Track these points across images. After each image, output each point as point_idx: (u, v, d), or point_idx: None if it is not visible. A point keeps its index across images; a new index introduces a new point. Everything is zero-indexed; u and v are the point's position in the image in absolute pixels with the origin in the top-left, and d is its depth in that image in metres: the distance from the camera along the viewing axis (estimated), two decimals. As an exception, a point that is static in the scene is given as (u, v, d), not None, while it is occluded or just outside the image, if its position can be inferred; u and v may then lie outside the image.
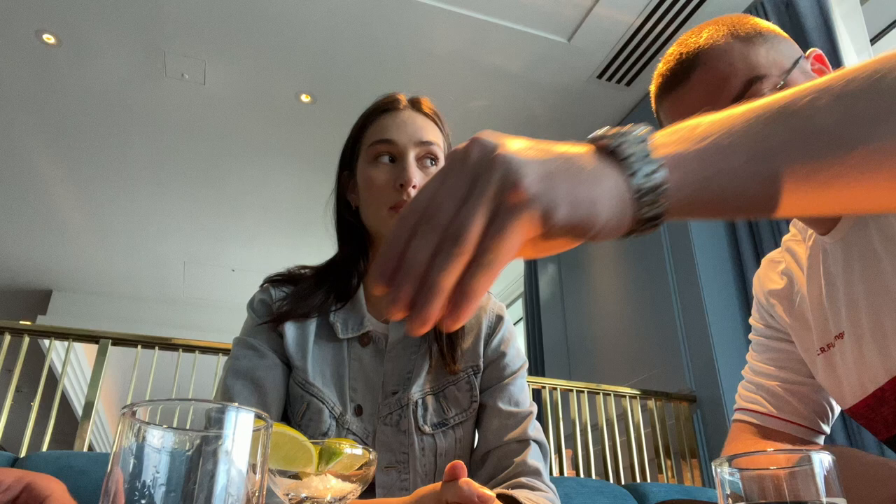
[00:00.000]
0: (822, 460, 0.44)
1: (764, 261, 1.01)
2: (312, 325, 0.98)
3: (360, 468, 0.57)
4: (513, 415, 0.96)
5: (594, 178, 0.38)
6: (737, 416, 0.97)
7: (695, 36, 0.84)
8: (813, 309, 0.87)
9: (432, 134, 1.01)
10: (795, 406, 0.92)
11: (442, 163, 1.01)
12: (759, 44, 0.81)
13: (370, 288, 1.03)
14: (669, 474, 3.43)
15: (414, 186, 0.95)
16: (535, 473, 0.91)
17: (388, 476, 0.92)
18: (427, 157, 0.99)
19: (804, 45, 4.39)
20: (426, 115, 1.03)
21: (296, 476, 0.54)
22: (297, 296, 1.00)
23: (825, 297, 0.85)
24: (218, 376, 3.15)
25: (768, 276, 0.98)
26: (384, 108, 1.02)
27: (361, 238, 1.04)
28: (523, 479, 0.89)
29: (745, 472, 0.45)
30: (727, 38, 0.81)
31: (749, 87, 0.78)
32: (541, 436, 0.96)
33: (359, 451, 0.57)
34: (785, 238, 0.97)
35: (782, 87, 0.79)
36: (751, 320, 1.02)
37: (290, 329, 0.97)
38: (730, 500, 0.45)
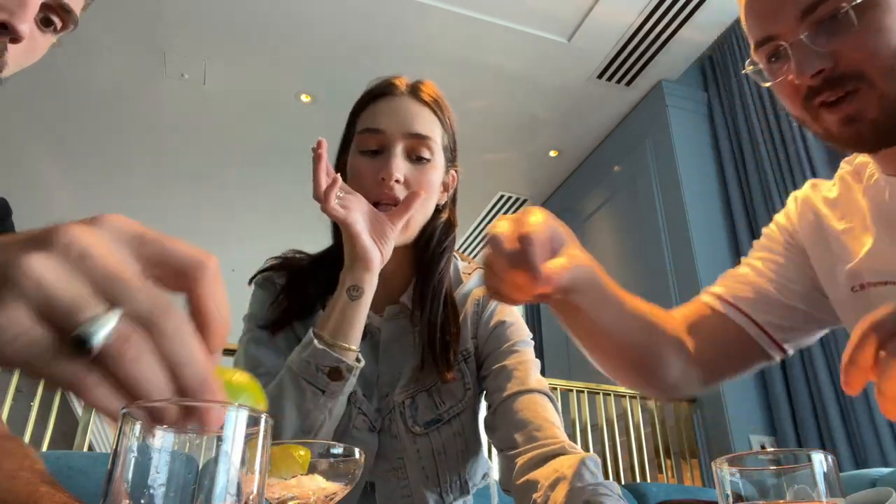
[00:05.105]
0: (822, 460, 0.44)
1: (810, 183, 0.95)
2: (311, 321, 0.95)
3: (347, 468, 0.57)
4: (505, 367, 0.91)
5: None
6: (706, 295, 0.91)
7: None
8: (856, 242, 0.82)
9: (427, 126, 0.93)
10: (773, 317, 0.87)
11: (437, 158, 0.94)
12: None
13: None
14: (669, 474, 3.43)
15: (397, 181, 0.89)
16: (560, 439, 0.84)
17: (387, 483, 0.90)
18: (418, 149, 0.92)
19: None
20: (425, 102, 0.95)
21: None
22: (292, 292, 0.97)
23: (881, 239, 0.79)
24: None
25: (820, 188, 0.92)
26: (380, 92, 0.96)
27: None
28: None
29: (746, 472, 0.45)
30: None
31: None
32: (544, 386, 0.91)
33: (339, 449, 0.57)
34: (839, 174, 0.90)
35: None
36: (766, 230, 0.96)
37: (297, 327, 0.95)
38: (730, 500, 0.45)
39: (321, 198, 0.82)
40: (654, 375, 0.83)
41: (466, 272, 1.02)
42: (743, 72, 0.86)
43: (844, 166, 0.90)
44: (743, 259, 0.94)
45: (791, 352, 0.89)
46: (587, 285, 0.71)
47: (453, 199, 1.03)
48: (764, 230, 0.96)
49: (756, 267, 0.91)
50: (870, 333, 0.47)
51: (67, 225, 0.31)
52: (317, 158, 0.84)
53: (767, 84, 0.81)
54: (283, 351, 0.91)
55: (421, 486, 0.90)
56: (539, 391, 0.90)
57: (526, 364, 0.93)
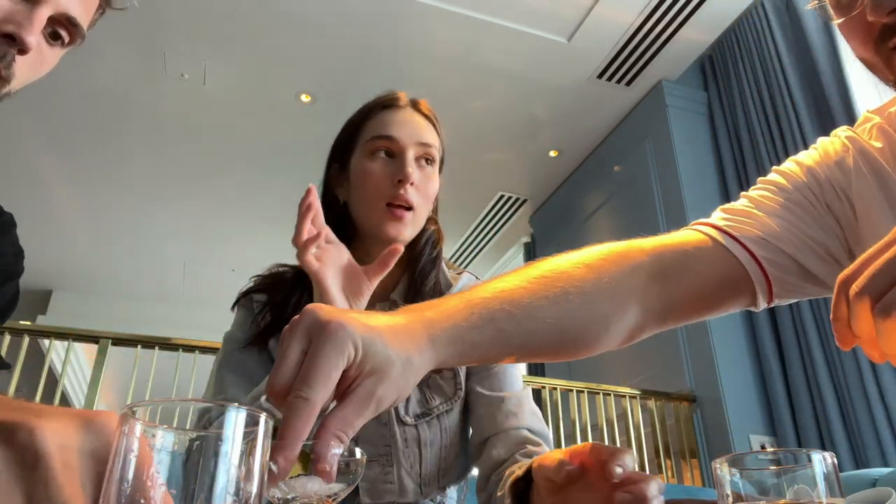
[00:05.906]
0: (822, 460, 0.44)
1: (847, 128, 0.82)
2: None
3: (348, 467, 0.57)
4: (502, 399, 0.96)
5: None
6: (703, 226, 0.78)
7: None
8: None
9: (431, 136, 1.02)
10: (780, 271, 0.75)
11: (437, 167, 1.04)
12: None
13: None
14: (669, 474, 3.43)
15: (412, 184, 0.96)
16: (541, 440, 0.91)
17: (371, 470, 0.92)
18: (425, 157, 1.00)
19: (805, 45, 4.31)
20: (426, 116, 1.04)
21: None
22: (273, 309, 0.99)
23: None
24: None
25: (863, 136, 0.79)
26: (386, 104, 1.03)
27: (346, 233, 1.01)
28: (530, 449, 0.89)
29: (746, 472, 0.45)
30: None
31: None
32: (540, 425, 0.95)
33: (340, 449, 0.57)
34: (875, 125, 0.78)
35: None
36: (779, 170, 0.82)
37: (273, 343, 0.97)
38: (730, 500, 0.45)
39: (299, 247, 0.86)
40: (597, 343, 0.72)
41: (456, 274, 1.07)
42: (807, 7, 0.75)
43: (872, 117, 0.79)
44: (744, 195, 0.81)
45: (774, 304, 0.79)
46: (476, 353, 0.60)
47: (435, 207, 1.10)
48: (776, 170, 0.82)
49: (768, 207, 0.78)
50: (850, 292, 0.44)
51: (45, 418, 0.30)
52: (305, 208, 0.87)
53: (835, 21, 0.70)
54: (253, 374, 0.94)
55: (404, 473, 0.92)
56: (528, 427, 0.94)
57: (511, 371, 0.99)
